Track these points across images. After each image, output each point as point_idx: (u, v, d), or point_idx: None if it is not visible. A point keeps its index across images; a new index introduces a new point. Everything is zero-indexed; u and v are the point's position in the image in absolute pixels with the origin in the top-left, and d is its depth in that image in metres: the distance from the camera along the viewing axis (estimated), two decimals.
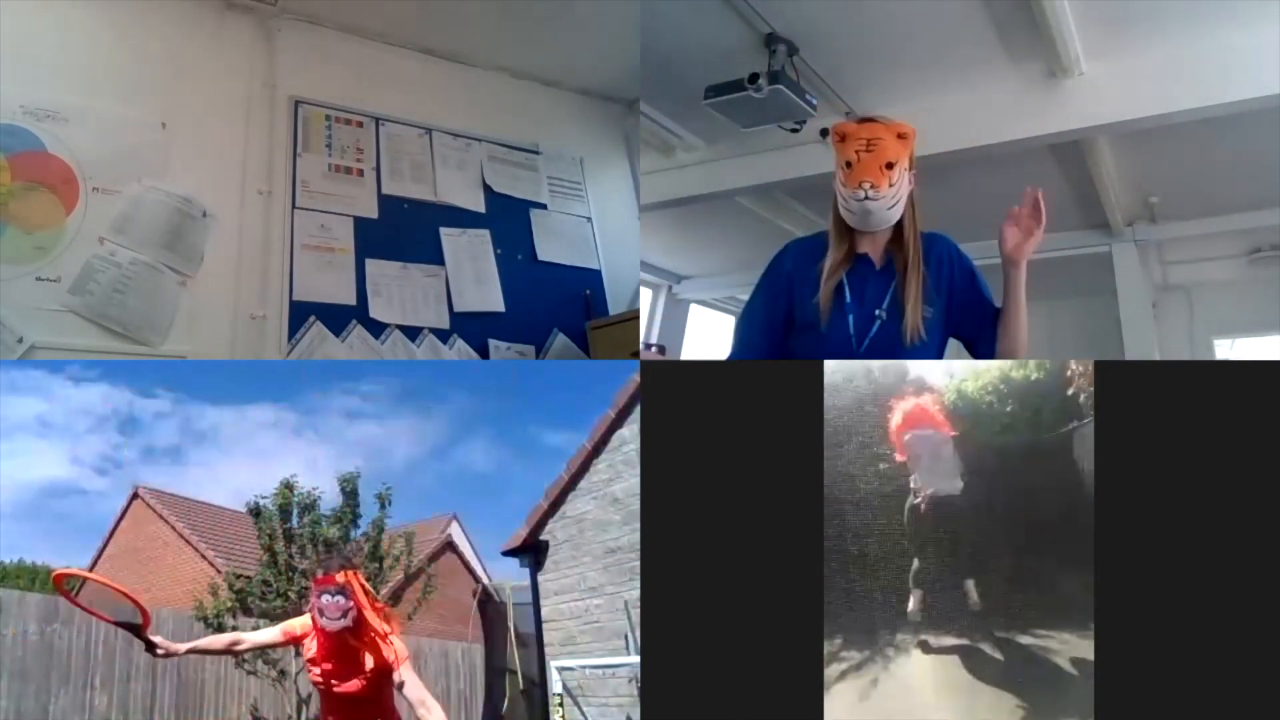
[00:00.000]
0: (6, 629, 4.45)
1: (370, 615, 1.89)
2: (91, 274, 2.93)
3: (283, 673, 5.07)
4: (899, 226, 1.98)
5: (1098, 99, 3.49)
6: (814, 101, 3.50)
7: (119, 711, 4.89)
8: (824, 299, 1.98)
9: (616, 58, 3.96)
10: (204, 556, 7.13)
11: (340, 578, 1.86)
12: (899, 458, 1.99)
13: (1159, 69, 3.37)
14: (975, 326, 2.00)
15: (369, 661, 1.88)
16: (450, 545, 8.99)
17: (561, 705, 3.89)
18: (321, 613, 1.87)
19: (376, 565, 5.11)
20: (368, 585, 1.93)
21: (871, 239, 2.02)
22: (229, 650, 2.05)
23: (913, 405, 2.00)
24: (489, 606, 5.83)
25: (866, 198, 1.89)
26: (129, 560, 7.96)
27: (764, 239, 6.04)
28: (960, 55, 3.50)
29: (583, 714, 3.95)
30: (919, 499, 1.97)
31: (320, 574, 1.89)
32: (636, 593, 3.49)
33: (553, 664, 4.06)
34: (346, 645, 1.87)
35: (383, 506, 5.17)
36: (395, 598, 6.24)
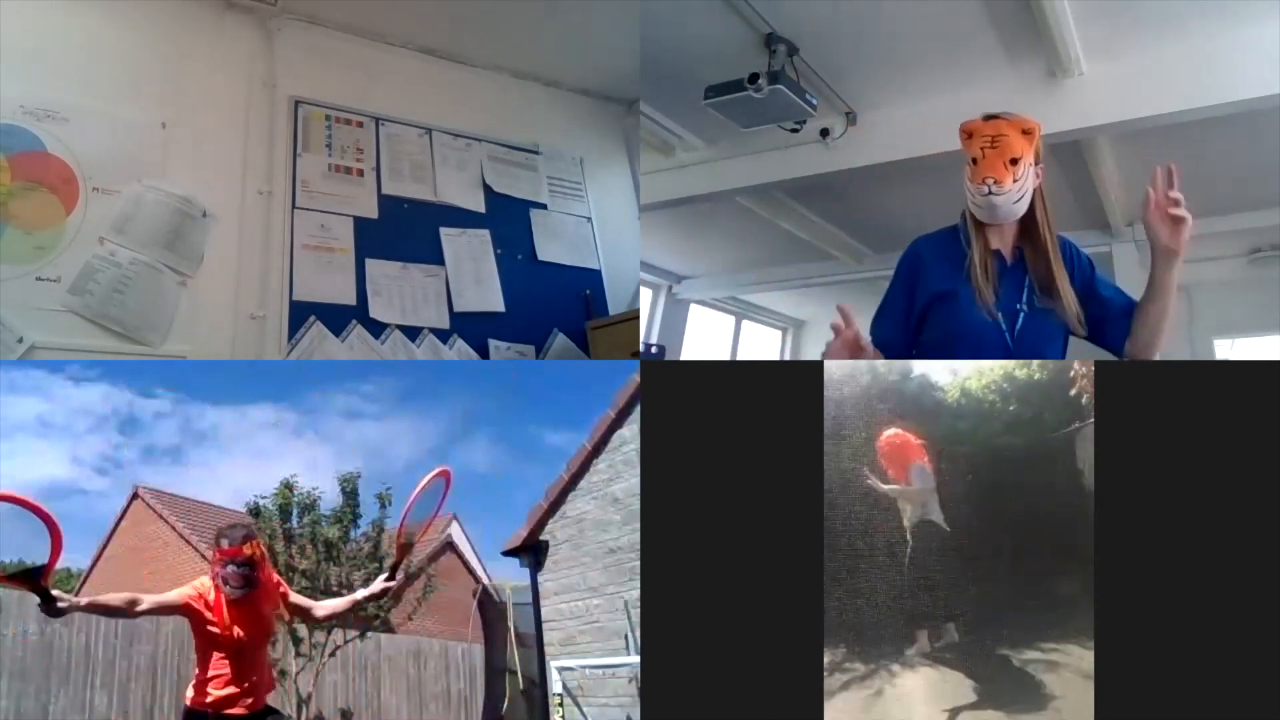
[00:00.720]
0: (6, 629, 4.45)
1: (269, 577, 2.10)
2: (91, 274, 2.93)
3: (282, 672, 5.07)
4: (1024, 222, 2.02)
5: (1098, 99, 3.49)
6: (814, 101, 3.50)
7: (119, 711, 4.89)
8: (979, 288, 1.98)
9: (616, 58, 3.96)
10: (204, 556, 7.12)
11: (248, 549, 2.01)
12: (891, 478, 2.01)
13: (1159, 69, 3.37)
14: (1105, 319, 2.01)
15: (266, 617, 2.09)
16: (450, 545, 8.99)
17: (561, 705, 3.89)
18: (226, 582, 1.99)
19: (376, 565, 5.11)
20: (264, 552, 2.09)
21: (1000, 234, 2.05)
22: (127, 609, 1.97)
23: (898, 437, 2.02)
24: (489, 606, 5.83)
25: (990, 193, 1.93)
26: (129, 560, 7.96)
27: (764, 239, 6.05)
28: (960, 55, 3.50)
29: (583, 714, 3.95)
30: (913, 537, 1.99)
31: (225, 545, 2.01)
32: (636, 593, 3.49)
33: (553, 664, 4.06)
34: (253, 604, 2.04)
35: (383, 506, 5.17)
36: (395, 598, 6.24)
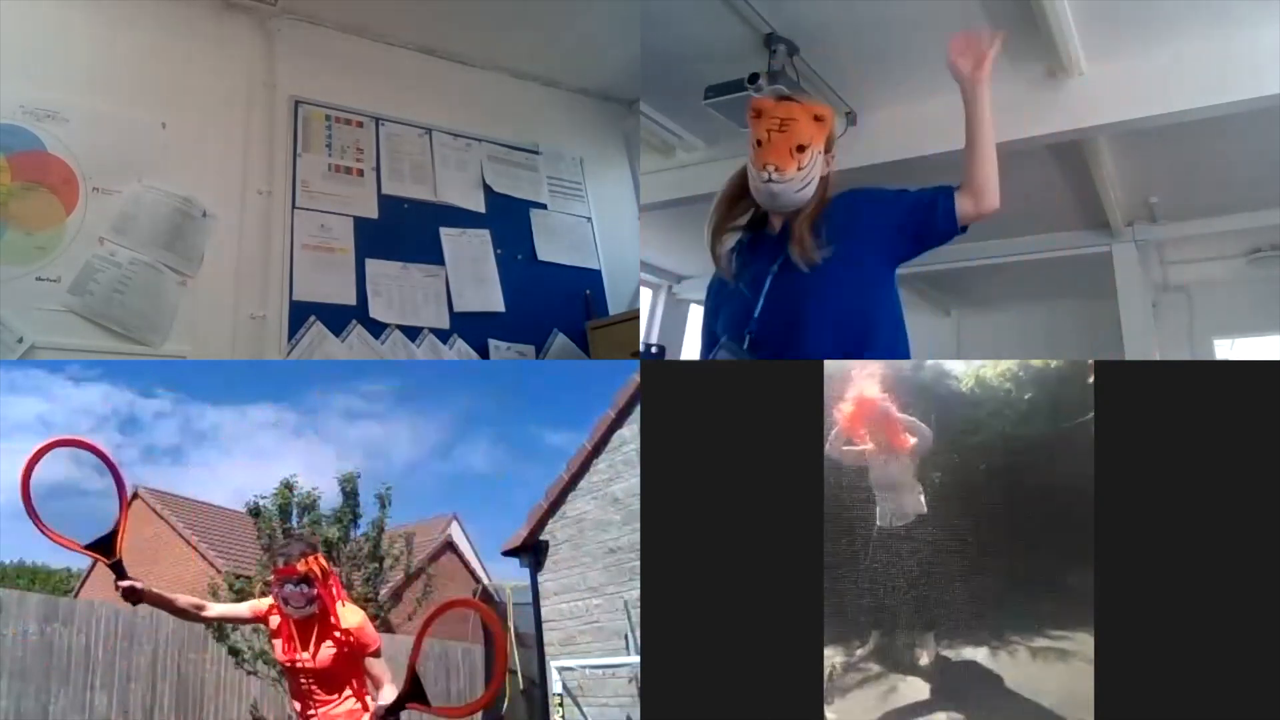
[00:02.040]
0: (6, 629, 4.45)
1: (332, 599, 1.90)
2: (91, 274, 2.93)
3: (283, 672, 5.07)
4: None
5: (1098, 99, 3.48)
6: None
7: (119, 711, 4.89)
8: (724, 267, 2.00)
9: (616, 58, 3.96)
10: (204, 556, 7.13)
11: (301, 566, 1.86)
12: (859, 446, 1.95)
13: (1159, 69, 3.37)
14: (918, 211, 1.92)
15: (341, 639, 1.88)
16: (450, 545, 8.99)
17: (561, 705, 3.89)
18: (286, 602, 1.87)
19: (376, 565, 5.12)
20: (327, 566, 1.92)
21: (779, 220, 2.00)
22: (193, 612, 1.97)
23: (872, 401, 1.94)
24: (489, 607, 5.82)
25: (770, 180, 1.86)
26: (129, 560, 7.94)
27: None
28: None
29: (583, 714, 3.95)
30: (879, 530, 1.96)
31: (281, 564, 1.89)
32: (636, 593, 3.49)
33: (553, 664, 4.06)
34: (316, 626, 1.88)
35: (383, 506, 5.18)
36: (395, 598, 6.24)
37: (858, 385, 1.92)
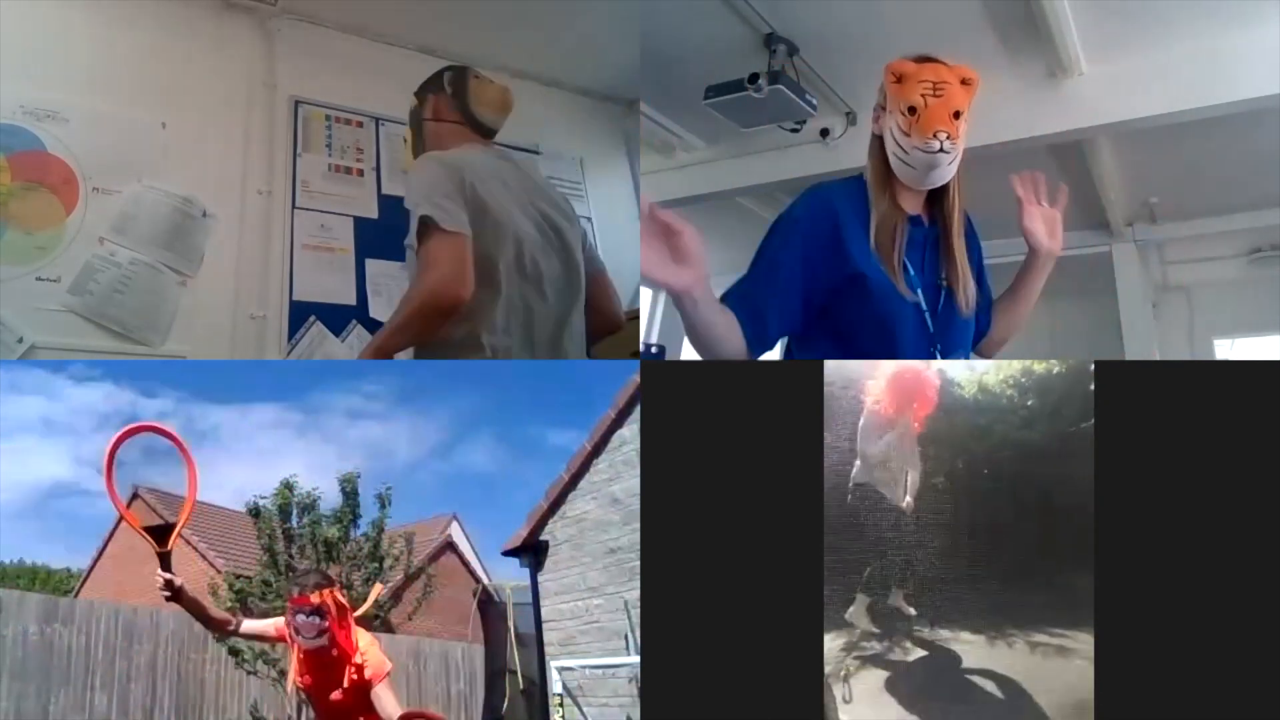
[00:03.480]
0: (6, 629, 4.45)
1: (346, 636, 1.87)
2: (91, 274, 2.93)
3: (282, 673, 5.07)
4: (936, 189, 1.76)
5: (1098, 99, 3.49)
6: (814, 101, 3.50)
7: (119, 711, 4.89)
8: (892, 265, 1.68)
9: (616, 58, 3.96)
10: (204, 556, 7.14)
11: (315, 598, 1.84)
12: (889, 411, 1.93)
13: (1159, 69, 3.37)
14: (979, 309, 1.85)
15: (347, 675, 1.87)
16: (450, 545, 8.99)
17: (561, 705, 3.89)
18: (298, 631, 1.86)
19: (376, 565, 5.11)
20: (344, 601, 1.90)
21: (914, 197, 1.76)
22: (223, 625, 2.00)
23: (910, 374, 1.90)
24: (489, 606, 5.82)
25: (941, 149, 1.62)
26: (129, 560, 7.95)
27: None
28: (960, 55, 3.48)
29: (583, 714, 3.95)
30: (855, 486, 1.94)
31: (296, 593, 1.87)
32: (636, 593, 3.48)
33: (553, 664, 4.05)
34: (326, 658, 1.87)
35: (383, 506, 5.18)
36: (395, 598, 6.25)
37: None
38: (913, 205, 1.77)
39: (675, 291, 1.54)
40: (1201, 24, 3.20)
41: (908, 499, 1.90)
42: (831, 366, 1.86)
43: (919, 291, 1.72)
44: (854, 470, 1.96)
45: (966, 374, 2.04)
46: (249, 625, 2.02)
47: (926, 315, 1.73)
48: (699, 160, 4.65)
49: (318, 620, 1.84)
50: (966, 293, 1.75)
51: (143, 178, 3.08)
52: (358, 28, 3.67)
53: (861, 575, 1.92)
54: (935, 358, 1.76)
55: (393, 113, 3.78)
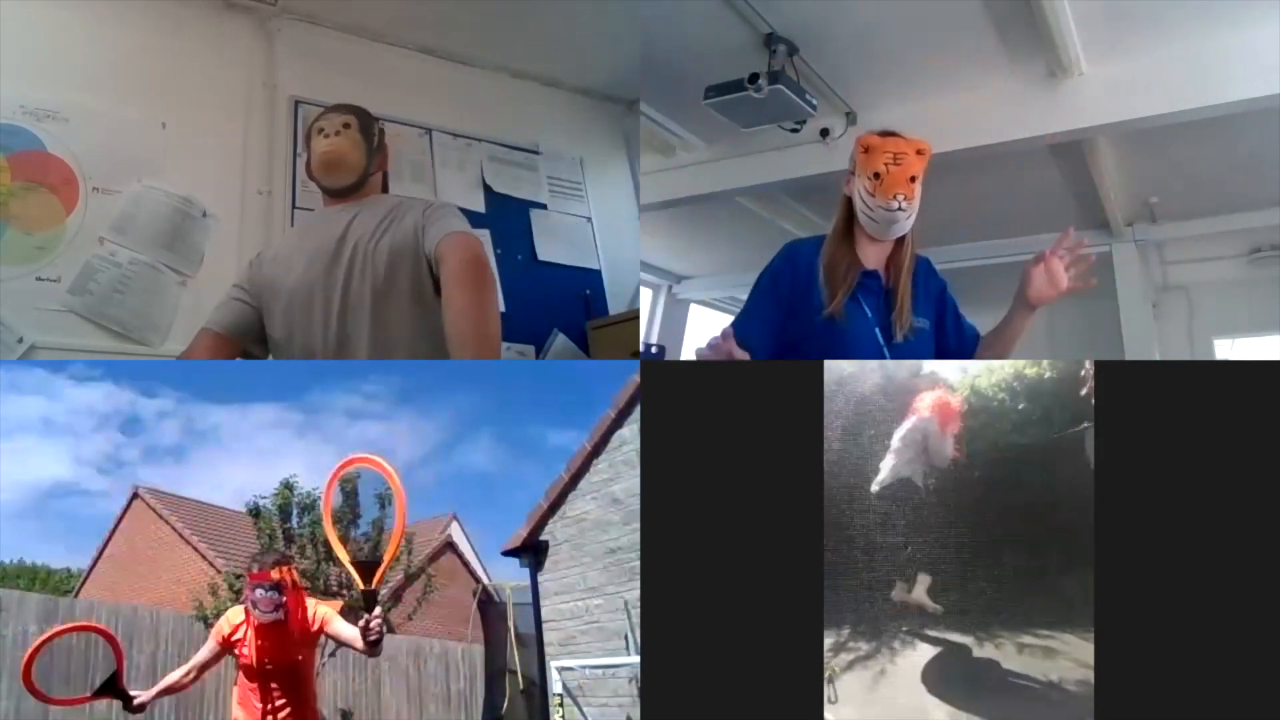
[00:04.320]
0: (6, 629, 4.45)
1: (301, 610, 2.00)
2: (91, 274, 2.93)
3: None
4: (897, 241, 2.10)
5: (1098, 99, 3.49)
6: (814, 101, 3.50)
7: (119, 711, 4.89)
8: (837, 309, 2.04)
9: (616, 58, 3.96)
10: (204, 556, 7.14)
11: (274, 574, 1.96)
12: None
13: (1159, 69, 3.37)
14: (955, 349, 2.14)
15: (291, 644, 2.00)
16: (450, 545, 9.00)
17: (561, 705, 3.89)
18: (255, 605, 1.97)
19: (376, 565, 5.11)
20: (298, 579, 2.04)
21: (876, 250, 2.11)
22: (187, 681, 2.10)
23: (944, 398, 2.00)
24: (489, 606, 5.83)
25: (900, 208, 1.99)
26: (129, 560, 7.96)
27: (764, 239, 6.04)
28: (960, 55, 3.50)
29: (583, 714, 3.95)
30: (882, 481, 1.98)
31: (255, 569, 1.99)
32: (636, 593, 3.49)
33: (553, 664, 4.05)
34: (280, 631, 1.98)
35: (383, 506, 5.15)
36: (395, 598, 6.25)
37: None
38: (876, 260, 2.11)
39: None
40: (1201, 24, 3.20)
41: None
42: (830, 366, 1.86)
43: (877, 331, 2.06)
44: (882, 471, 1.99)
45: (959, 376, 2.05)
46: (194, 662, 2.10)
47: (885, 350, 2.05)
48: (699, 160, 4.65)
49: (275, 595, 1.96)
50: (901, 321, 2.06)
51: (143, 178, 3.08)
52: (358, 28, 3.67)
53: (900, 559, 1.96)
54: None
55: (393, 113, 3.77)
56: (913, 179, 2.01)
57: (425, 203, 2.23)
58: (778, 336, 2.11)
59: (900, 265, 2.11)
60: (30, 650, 1.99)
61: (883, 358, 2.03)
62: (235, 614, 2.06)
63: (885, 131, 2.09)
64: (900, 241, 2.11)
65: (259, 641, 1.99)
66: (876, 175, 2.01)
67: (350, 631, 1.98)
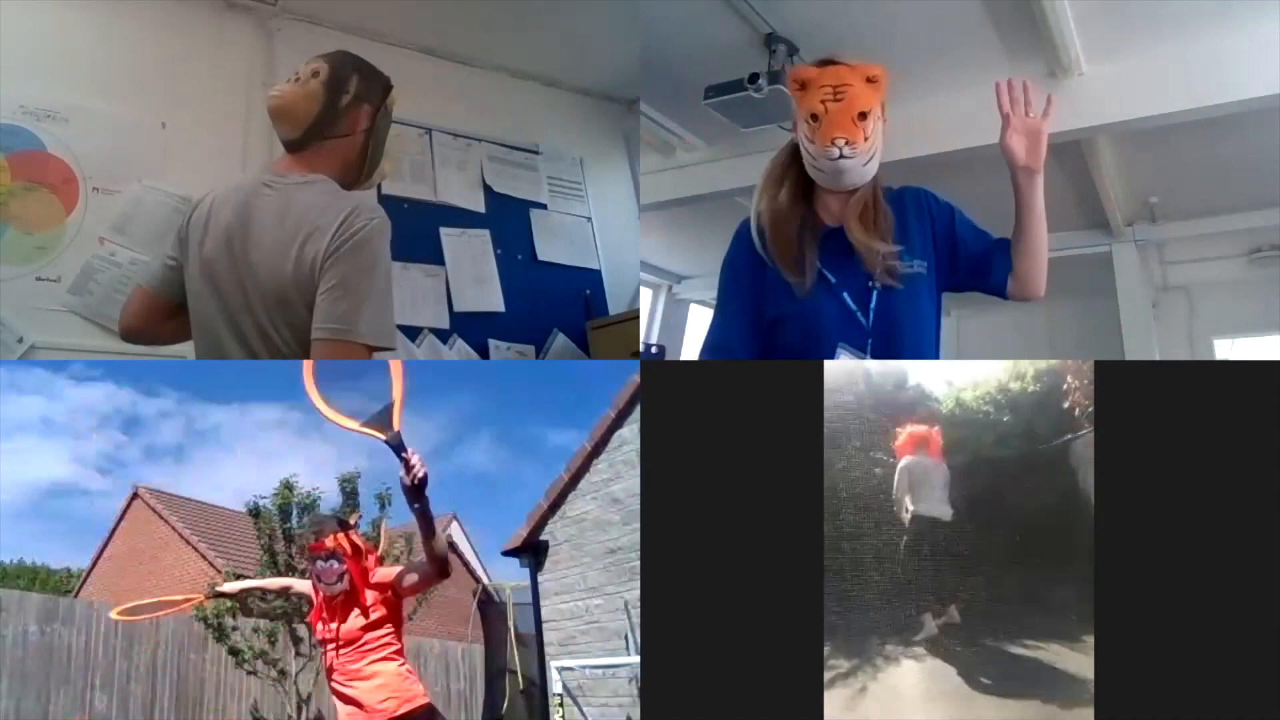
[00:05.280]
0: (6, 629, 4.45)
1: (364, 574, 1.90)
2: (91, 274, 2.93)
3: (283, 672, 5.07)
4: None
5: (1098, 99, 3.49)
6: None
7: (119, 711, 4.89)
8: (787, 261, 1.77)
9: (616, 58, 3.96)
10: (204, 556, 7.14)
11: (330, 542, 1.88)
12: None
13: (1159, 69, 3.37)
14: (979, 259, 1.84)
15: (364, 616, 1.89)
16: (450, 545, 8.99)
17: (561, 705, 3.89)
18: (319, 579, 1.89)
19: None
20: (359, 541, 1.92)
21: (838, 201, 1.79)
22: (284, 592, 2.14)
23: (922, 430, 1.99)
24: (489, 606, 5.83)
25: (842, 156, 1.67)
26: (129, 560, 7.96)
27: None
28: (960, 55, 3.50)
29: (583, 714, 3.95)
30: (908, 524, 1.98)
31: (313, 539, 1.91)
32: (636, 593, 3.49)
33: (553, 664, 4.06)
34: (349, 600, 1.89)
35: (383, 506, 5.18)
36: None
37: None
38: (841, 214, 1.80)
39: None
40: (1201, 24, 3.20)
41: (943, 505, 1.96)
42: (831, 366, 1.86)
43: (845, 295, 1.78)
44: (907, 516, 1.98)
45: (944, 389, 2.05)
46: (300, 584, 2.08)
47: (858, 315, 1.78)
48: (699, 160, 4.65)
49: (336, 564, 1.87)
50: (882, 264, 1.75)
51: (143, 178, 3.07)
52: (358, 28, 3.67)
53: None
54: (866, 355, 1.81)
55: (393, 113, 3.78)
56: (863, 115, 1.67)
57: (337, 227, 1.89)
58: (755, 327, 1.88)
59: (850, 207, 1.78)
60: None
61: (859, 325, 1.79)
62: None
63: (824, 60, 1.75)
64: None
65: (330, 617, 1.90)
66: (814, 117, 1.68)
67: (421, 572, 1.87)
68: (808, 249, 1.79)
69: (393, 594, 1.92)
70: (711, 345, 1.96)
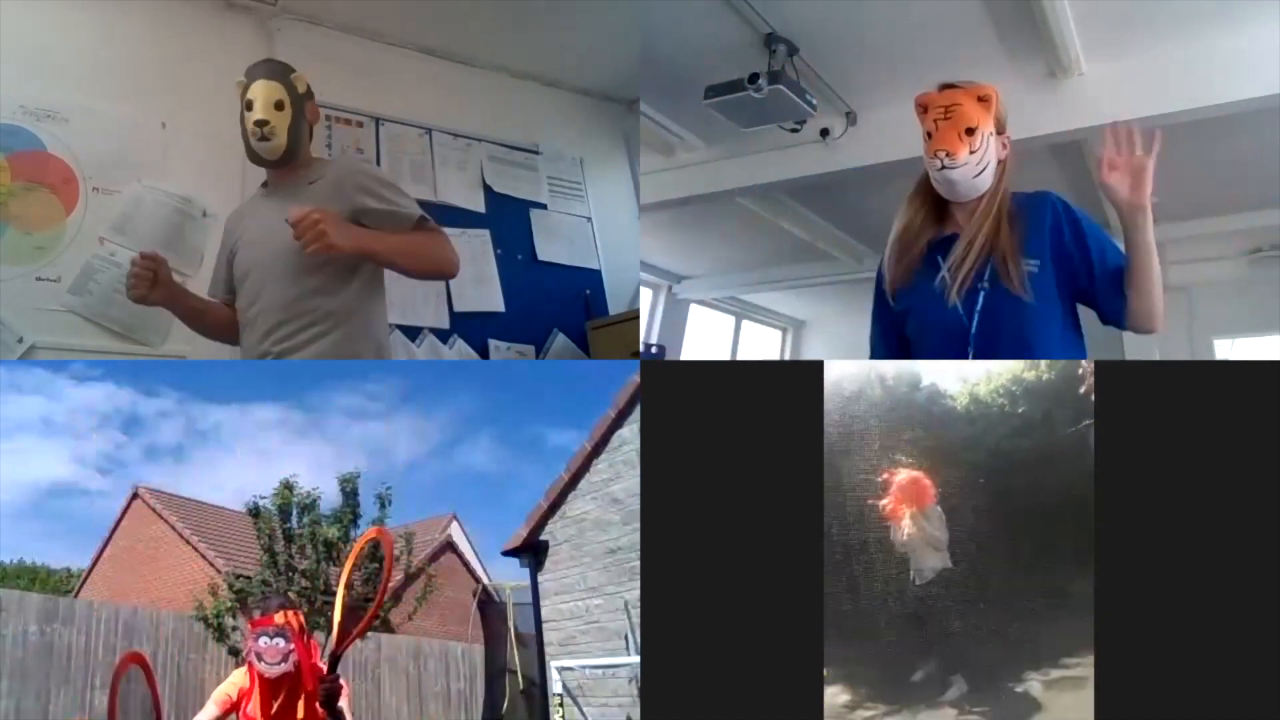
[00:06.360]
0: (6, 629, 4.45)
1: (311, 659, 1.80)
2: (91, 274, 2.93)
3: None
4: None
5: (1098, 99, 3.49)
6: (814, 101, 3.50)
7: (119, 711, 4.88)
8: (904, 275, 1.94)
9: (616, 58, 3.96)
10: (204, 556, 7.13)
11: (279, 618, 1.77)
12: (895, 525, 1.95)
13: (1159, 69, 3.37)
14: (1095, 283, 1.87)
15: (305, 699, 1.79)
16: (450, 545, 8.99)
17: (561, 705, 3.89)
18: (260, 657, 1.77)
19: (376, 565, 5.11)
20: (305, 625, 1.83)
21: (962, 212, 1.93)
22: None
23: (907, 481, 1.94)
24: (489, 606, 5.83)
25: (944, 167, 1.83)
26: (129, 560, 7.96)
27: (764, 239, 6.05)
28: (960, 55, 3.50)
29: (583, 714, 3.95)
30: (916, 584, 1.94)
31: (258, 615, 1.80)
32: (636, 593, 3.48)
33: (553, 664, 4.05)
34: (290, 685, 1.78)
35: (382, 506, 5.17)
36: (395, 598, 6.24)
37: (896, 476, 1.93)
38: (963, 221, 1.93)
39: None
40: (1201, 24, 3.20)
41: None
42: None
43: (959, 296, 1.88)
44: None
45: (958, 386, 2.03)
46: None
47: (963, 317, 1.87)
48: (699, 160, 4.65)
49: (282, 643, 1.76)
50: (960, 272, 1.87)
51: (143, 178, 3.08)
52: (358, 28, 3.67)
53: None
54: (968, 356, 1.89)
55: (393, 113, 3.78)
56: (970, 130, 1.84)
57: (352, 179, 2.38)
58: (895, 328, 2.02)
59: (976, 219, 1.89)
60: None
61: (963, 326, 1.86)
62: (239, 676, 1.89)
63: (944, 84, 1.93)
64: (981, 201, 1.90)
65: (268, 699, 1.78)
66: (929, 134, 1.87)
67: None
68: (916, 255, 1.95)
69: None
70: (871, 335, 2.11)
